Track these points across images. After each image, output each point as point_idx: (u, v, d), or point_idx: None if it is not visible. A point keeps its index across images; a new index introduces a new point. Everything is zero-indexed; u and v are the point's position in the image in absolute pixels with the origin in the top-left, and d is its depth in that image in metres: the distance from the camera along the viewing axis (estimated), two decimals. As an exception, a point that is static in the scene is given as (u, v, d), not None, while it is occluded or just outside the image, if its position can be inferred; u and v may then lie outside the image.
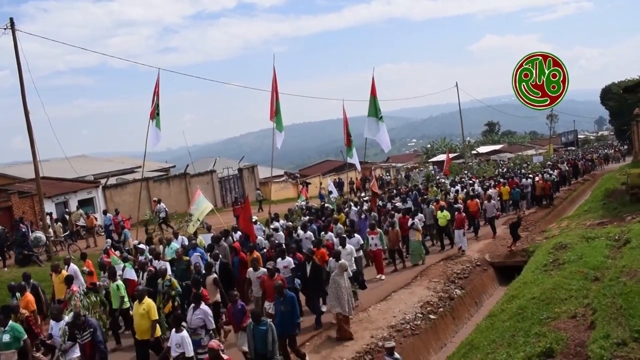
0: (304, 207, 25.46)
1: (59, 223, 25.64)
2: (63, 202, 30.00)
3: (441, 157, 54.89)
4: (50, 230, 23.14)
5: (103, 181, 33.78)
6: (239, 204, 29.12)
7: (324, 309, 13.56)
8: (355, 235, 16.42)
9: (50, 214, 26.20)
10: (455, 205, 21.54)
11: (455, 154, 64.41)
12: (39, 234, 21.31)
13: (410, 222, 18.76)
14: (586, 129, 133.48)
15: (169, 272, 13.68)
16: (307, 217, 21.25)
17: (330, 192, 25.02)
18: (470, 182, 32.61)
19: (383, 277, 17.06)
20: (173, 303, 12.27)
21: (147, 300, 10.80)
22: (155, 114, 19.73)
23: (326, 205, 25.51)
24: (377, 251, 17.15)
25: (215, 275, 12.73)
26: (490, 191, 26.69)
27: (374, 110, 18.88)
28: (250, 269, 13.04)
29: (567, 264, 15.02)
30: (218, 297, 12.51)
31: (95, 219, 27.94)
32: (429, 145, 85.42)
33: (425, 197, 25.39)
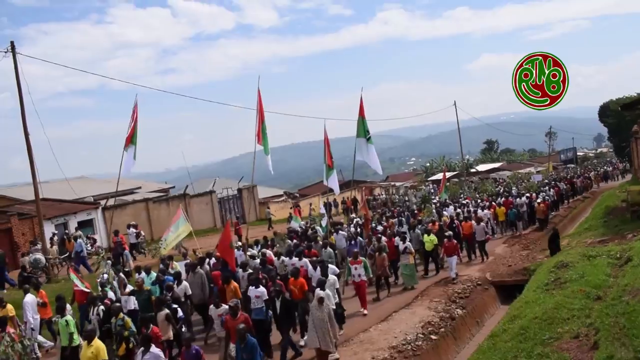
0: (301, 228, 24.85)
1: (55, 247, 25.52)
2: (63, 223, 29.92)
3: (440, 175, 54.80)
4: (54, 250, 23.24)
5: (103, 202, 33.75)
6: (240, 223, 28.93)
7: (302, 343, 12.91)
8: (330, 265, 15.03)
9: (54, 235, 26.19)
10: (447, 233, 20.03)
11: (455, 172, 64.47)
12: (39, 255, 21.22)
13: (402, 245, 18.20)
14: (585, 146, 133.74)
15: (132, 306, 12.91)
16: (293, 242, 20.08)
17: (323, 215, 23.59)
18: (465, 202, 32.26)
19: (366, 311, 15.49)
20: (127, 344, 11.12)
21: (96, 342, 10.03)
22: (132, 141, 18.88)
23: (315, 227, 24.40)
24: (361, 282, 15.50)
25: (167, 311, 11.77)
26: (482, 212, 26.24)
27: (363, 131, 18.42)
28: (212, 306, 12.15)
29: (569, 282, 14.96)
30: (170, 334, 11.71)
31: (95, 240, 27.86)
32: (428, 164, 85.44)
33: (420, 219, 24.41)
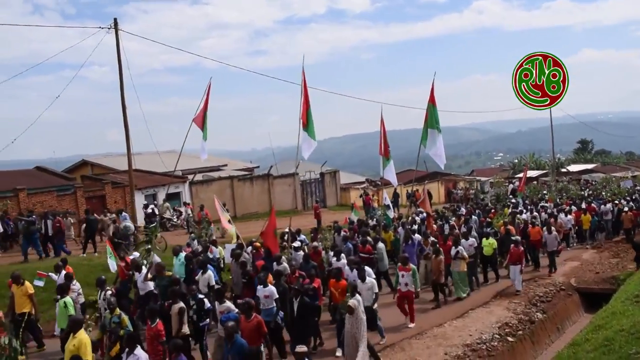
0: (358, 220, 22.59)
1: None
2: (152, 194, 31.24)
3: (529, 173, 52.61)
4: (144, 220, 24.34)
5: (190, 177, 34.90)
6: (320, 207, 28.70)
7: (338, 353, 11.78)
8: (366, 267, 13.24)
9: (146, 205, 27.46)
10: (513, 238, 18.19)
11: (544, 171, 62.11)
12: (128, 223, 22.21)
13: (453, 250, 16.13)
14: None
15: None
16: (342, 234, 18.38)
17: (388, 206, 21.29)
18: (546, 204, 28.91)
19: (412, 324, 13.76)
20: (122, 345, 9.86)
21: (81, 335, 8.90)
22: (204, 125, 18.36)
23: (375, 220, 22.77)
24: (408, 293, 13.67)
25: (181, 305, 10.78)
26: (565, 218, 24.23)
27: (433, 121, 17.26)
28: (217, 302, 11.07)
29: (662, 296, 14.13)
30: (186, 328, 10.80)
31: (181, 212, 28.89)
32: (516, 160, 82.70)
33: (489, 220, 21.77)
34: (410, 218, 22.88)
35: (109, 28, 22.28)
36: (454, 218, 23.86)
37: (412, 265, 13.92)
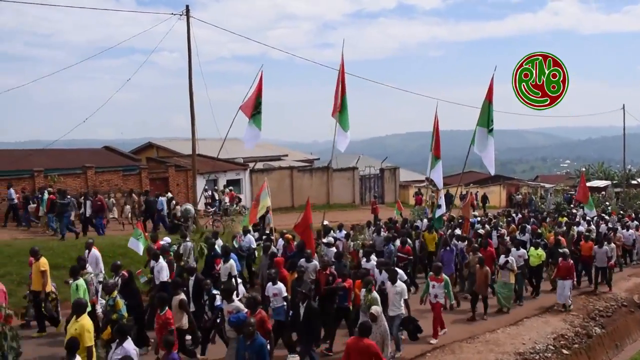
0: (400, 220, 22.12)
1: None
2: (213, 179, 31.84)
3: (596, 182, 50.64)
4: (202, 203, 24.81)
5: (251, 165, 35.38)
6: (378, 202, 28.46)
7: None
8: (399, 270, 12.45)
9: (205, 189, 28.04)
10: (562, 250, 16.57)
11: (613, 182, 59.78)
12: (189, 206, 22.72)
13: (502, 259, 15.17)
14: None
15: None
16: (383, 235, 17.61)
17: (439, 207, 19.74)
18: (606, 216, 26.86)
19: (435, 340, 12.51)
20: (112, 329, 9.56)
21: (84, 320, 8.59)
22: (255, 112, 17.34)
23: (418, 220, 21.70)
24: (436, 305, 12.57)
25: (183, 297, 10.46)
26: (627, 233, 22.51)
27: (486, 119, 15.74)
28: (225, 300, 10.15)
29: None
30: (185, 322, 10.32)
31: (240, 199, 29.33)
32: (583, 169, 79.94)
33: (539, 231, 20.04)
34: (454, 221, 21.47)
35: (180, 15, 22.78)
36: (501, 225, 22.18)
37: (444, 276, 12.74)
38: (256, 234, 18.13)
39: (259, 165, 36.33)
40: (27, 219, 22.03)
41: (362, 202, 39.21)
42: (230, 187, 31.19)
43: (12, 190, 22.12)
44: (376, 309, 9.81)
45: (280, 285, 11.19)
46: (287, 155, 44.73)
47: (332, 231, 17.92)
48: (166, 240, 14.87)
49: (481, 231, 19.38)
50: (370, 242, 17.43)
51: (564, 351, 13.21)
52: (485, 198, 39.33)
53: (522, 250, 16.23)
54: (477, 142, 15.86)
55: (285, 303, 11.06)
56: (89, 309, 10.26)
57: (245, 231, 16.70)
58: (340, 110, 16.04)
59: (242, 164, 35.54)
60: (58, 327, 12.23)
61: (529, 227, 20.98)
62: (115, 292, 10.31)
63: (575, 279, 16.67)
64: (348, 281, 11.77)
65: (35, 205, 21.62)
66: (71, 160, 28.19)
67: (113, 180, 27.46)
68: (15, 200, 22.10)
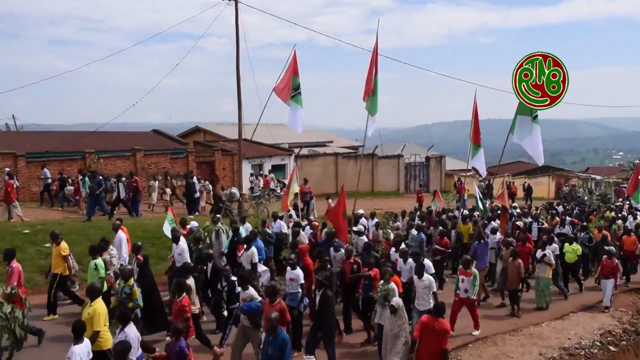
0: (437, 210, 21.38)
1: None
2: (258, 164, 32.15)
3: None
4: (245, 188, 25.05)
5: (296, 150, 35.52)
6: (423, 190, 28.01)
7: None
8: (426, 260, 12.12)
9: (252, 174, 28.37)
10: (607, 248, 15.70)
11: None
12: (234, 190, 22.99)
13: (539, 252, 14.48)
14: None
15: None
16: (415, 223, 16.91)
17: (480, 197, 18.83)
18: None
19: (476, 332, 12.27)
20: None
21: (97, 304, 8.48)
22: (295, 94, 16.67)
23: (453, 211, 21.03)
24: (467, 300, 12.03)
25: (189, 282, 10.27)
26: None
27: (525, 107, 14.99)
28: (240, 287, 9.97)
29: None
30: (193, 308, 10.01)
31: (284, 184, 29.51)
32: (637, 161, 77.42)
33: (584, 224, 19.21)
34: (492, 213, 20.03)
35: (229, 0, 22.88)
36: (542, 217, 21.20)
37: (474, 270, 12.12)
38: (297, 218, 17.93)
39: (304, 151, 36.47)
40: (62, 200, 22.31)
41: (406, 190, 38.98)
42: (265, 173, 31.18)
43: (46, 170, 22.39)
44: (397, 300, 9.46)
45: (298, 271, 10.82)
46: (332, 142, 44.75)
47: (372, 219, 17.66)
48: (194, 224, 14.68)
49: (519, 223, 18.60)
50: (401, 231, 16.62)
51: (611, 348, 12.87)
52: (529, 189, 37.38)
53: (554, 245, 15.41)
54: (518, 131, 15.38)
55: (300, 290, 10.71)
56: (105, 289, 10.40)
57: (276, 217, 16.47)
58: (372, 92, 15.35)
59: (288, 149, 35.73)
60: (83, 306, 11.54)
61: (569, 219, 20.29)
62: (132, 280, 10.00)
63: (618, 279, 15.68)
64: (374, 270, 11.32)
65: (72, 187, 21.84)
66: (121, 143, 28.84)
67: (161, 162, 27.99)
68: (50, 180, 22.33)
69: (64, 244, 12.02)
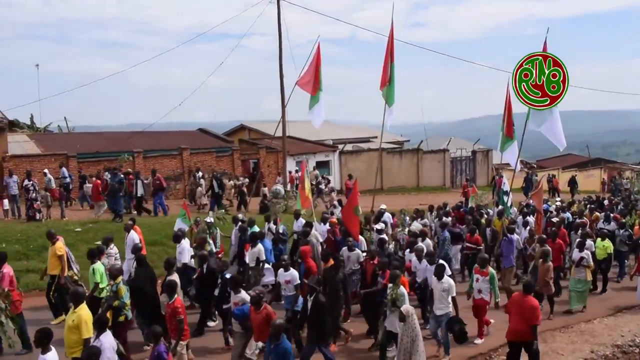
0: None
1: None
2: (302, 161, 32.28)
3: None
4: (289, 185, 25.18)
5: (340, 146, 35.51)
6: (469, 185, 27.49)
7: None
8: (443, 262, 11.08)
9: (296, 171, 28.49)
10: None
11: None
12: (279, 187, 23.16)
13: (576, 253, 13.45)
14: None
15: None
16: (446, 218, 16.35)
17: (506, 193, 17.18)
18: None
19: (480, 340, 11.26)
20: (116, 316, 9.31)
21: (81, 310, 7.89)
22: (318, 89, 16.23)
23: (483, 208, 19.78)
24: (481, 302, 11.06)
25: (172, 278, 9.80)
26: None
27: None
28: (232, 291, 9.57)
29: None
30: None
31: (329, 180, 29.60)
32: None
33: (623, 221, 17.66)
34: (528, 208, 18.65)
35: (271, -1, 23.05)
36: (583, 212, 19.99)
37: (490, 270, 11.17)
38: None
39: (348, 147, 36.40)
40: (82, 199, 22.41)
41: (452, 184, 38.49)
42: (294, 169, 30.69)
43: (64, 170, 22.38)
44: (406, 308, 8.77)
45: (293, 272, 10.41)
46: (376, 137, 44.55)
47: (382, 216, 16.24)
48: (208, 219, 14.20)
49: (555, 219, 17.31)
50: (427, 228, 15.92)
51: (668, 345, 12.42)
52: (573, 182, 35.45)
53: (589, 242, 14.47)
54: (533, 117, 15.00)
55: (295, 292, 10.31)
56: (104, 295, 10.03)
57: (298, 215, 15.76)
58: (389, 82, 14.88)
59: (332, 145, 35.74)
60: (57, 319, 11.49)
61: (612, 215, 18.67)
62: (120, 278, 9.61)
63: None
64: (386, 279, 10.31)
65: (90, 185, 21.02)
66: (168, 142, 29.38)
67: (207, 161, 28.39)
68: (68, 180, 22.09)
69: (59, 244, 11.52)
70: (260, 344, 8.22)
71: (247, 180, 25.69)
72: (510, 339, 9.40)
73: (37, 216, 18.44)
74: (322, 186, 28.08)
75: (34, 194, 18.44)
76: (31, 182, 18.43)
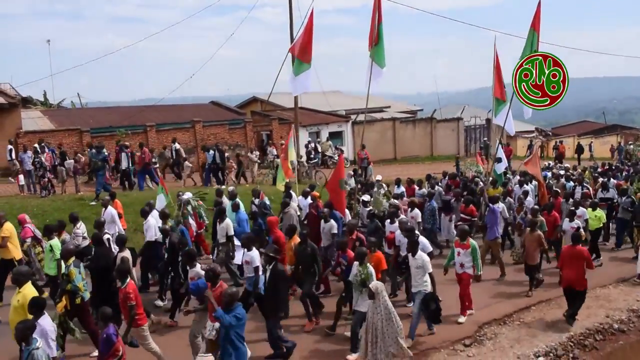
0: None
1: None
2: (315, 132, 32.16)
3: None
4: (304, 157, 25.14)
5: (353, 117, 35.31)
6: (483, 154, 27.09)
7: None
8: (421, 239, 10.44)
9: (309, 142, 28.41)
10: None
11: None
12: (293, 159, 23.07)
13: (567, 223, 13.11)
14: None
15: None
16: (435, 189, 15.79)
17: (499, 159, 17.10)
18: None
19: (463, 319, 10.64)
20: (71, 301, 8.65)
21: (26, 289, 7.50)
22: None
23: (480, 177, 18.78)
24: (463, 276, 10.52)
25: (124, 254, 9.50)
26: None
27: (529, 48, 14.44)
28: (187, 265, 9.20)
29: None
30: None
31: (342, 151, 29.53)
32: None
33: (624, 187, 16.98)
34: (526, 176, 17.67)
35: (280, -33, 22.73)
36: (586, 180, 19.15)
37: (471, 242, 10.52)
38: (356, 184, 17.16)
39: (361, 117, 36.21)
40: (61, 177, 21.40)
41: (467, 153, 38.23)
42: (307, 140, 30.52)
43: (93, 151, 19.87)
44: (375, 284, 8.21)
45: (253, 252, 9.56)
46: (389, 107, 44.21)
47: (374, 187, 15.56)
48: (187, 194, 13.32)
49: (557, 188, 16.67)
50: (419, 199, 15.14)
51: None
52: (580, 148, 34.51)
53: (582, 210, 14.10)
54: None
55: (255, 274, 9.50)
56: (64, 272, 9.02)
57: (288, 187, 14.80)
58: (377, 42, 14.19)
59: (345, 116, 35.55)
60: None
61: (613, 182, 18.12)
62: (72, 260, 8.85)
63: None
64: (350, 253, 9.87)
65: (72, 162, 20.06)
66: (181, 115, 29.39)
67: (219, 133, 28.39)
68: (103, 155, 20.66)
69: (7, 225, 10.91)
70: (217, 324, 7.61)
71: (256, 152, 25.46)
72: (564, 286, 10.57)
73: (43, 193, 18.23)
74: (335, 157, 28.07)
75: (41, 171, 18.36)
76: (38, 159, 18.40)
